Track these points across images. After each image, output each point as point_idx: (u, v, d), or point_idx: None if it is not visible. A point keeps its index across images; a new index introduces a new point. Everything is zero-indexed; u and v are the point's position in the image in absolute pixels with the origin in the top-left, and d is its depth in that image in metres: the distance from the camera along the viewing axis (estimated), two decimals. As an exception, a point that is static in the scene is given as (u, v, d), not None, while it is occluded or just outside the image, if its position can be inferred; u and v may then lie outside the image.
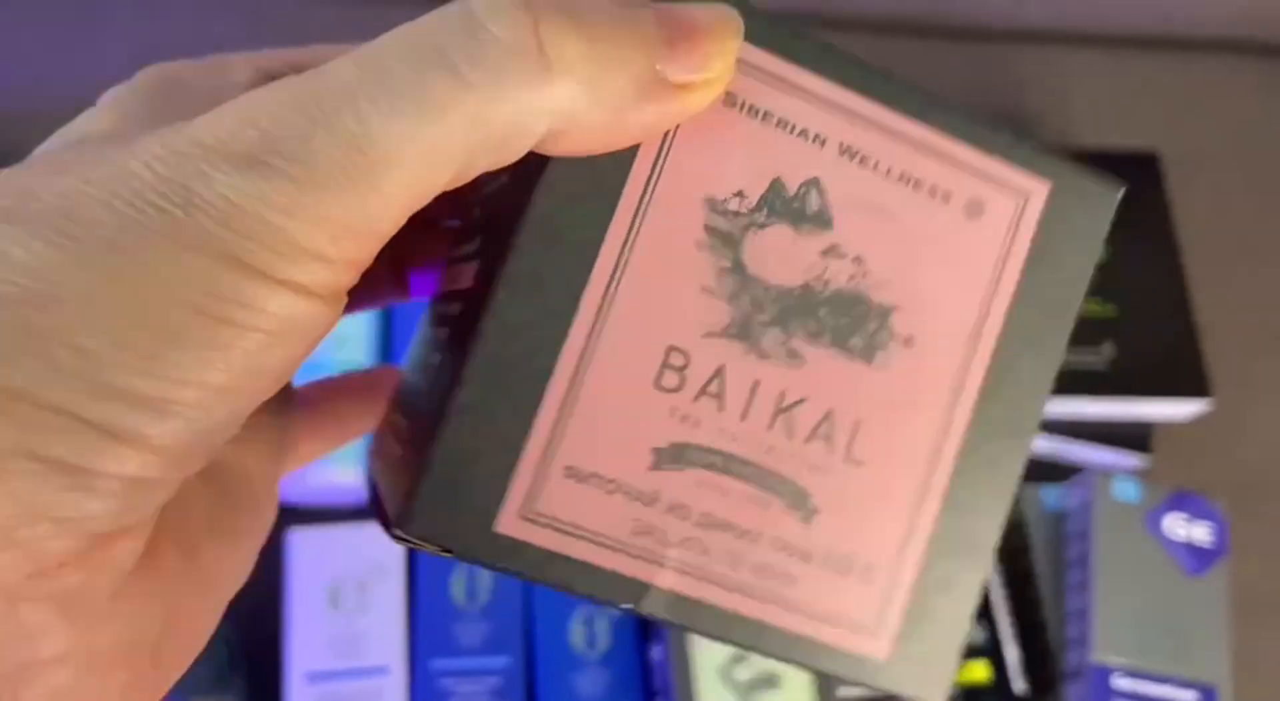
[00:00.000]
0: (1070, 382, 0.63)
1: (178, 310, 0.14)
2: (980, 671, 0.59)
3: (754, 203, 0.18)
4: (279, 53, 0.20)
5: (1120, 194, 0.19)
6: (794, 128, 0.18)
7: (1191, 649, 0.59)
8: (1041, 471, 0.68)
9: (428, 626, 0.56)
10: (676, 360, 0.18)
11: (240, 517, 0.19)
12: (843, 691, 0.57)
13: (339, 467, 0.58)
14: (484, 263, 0.18)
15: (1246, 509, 0.67)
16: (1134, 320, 0.65)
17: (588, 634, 0.57)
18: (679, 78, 0.16)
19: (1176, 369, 0.65)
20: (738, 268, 0.18)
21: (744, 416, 0.18)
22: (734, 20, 0.16)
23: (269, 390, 0.16)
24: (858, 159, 0.18)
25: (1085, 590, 0.60)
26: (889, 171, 0.18)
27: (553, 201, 0.17)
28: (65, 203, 0.14)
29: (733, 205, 0.18)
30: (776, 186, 0.18)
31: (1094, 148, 0.73)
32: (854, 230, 0.18)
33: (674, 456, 0.18)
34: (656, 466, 0.18)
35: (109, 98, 0.19)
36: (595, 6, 0.16)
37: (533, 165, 0.17)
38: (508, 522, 0.17)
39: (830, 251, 0.18)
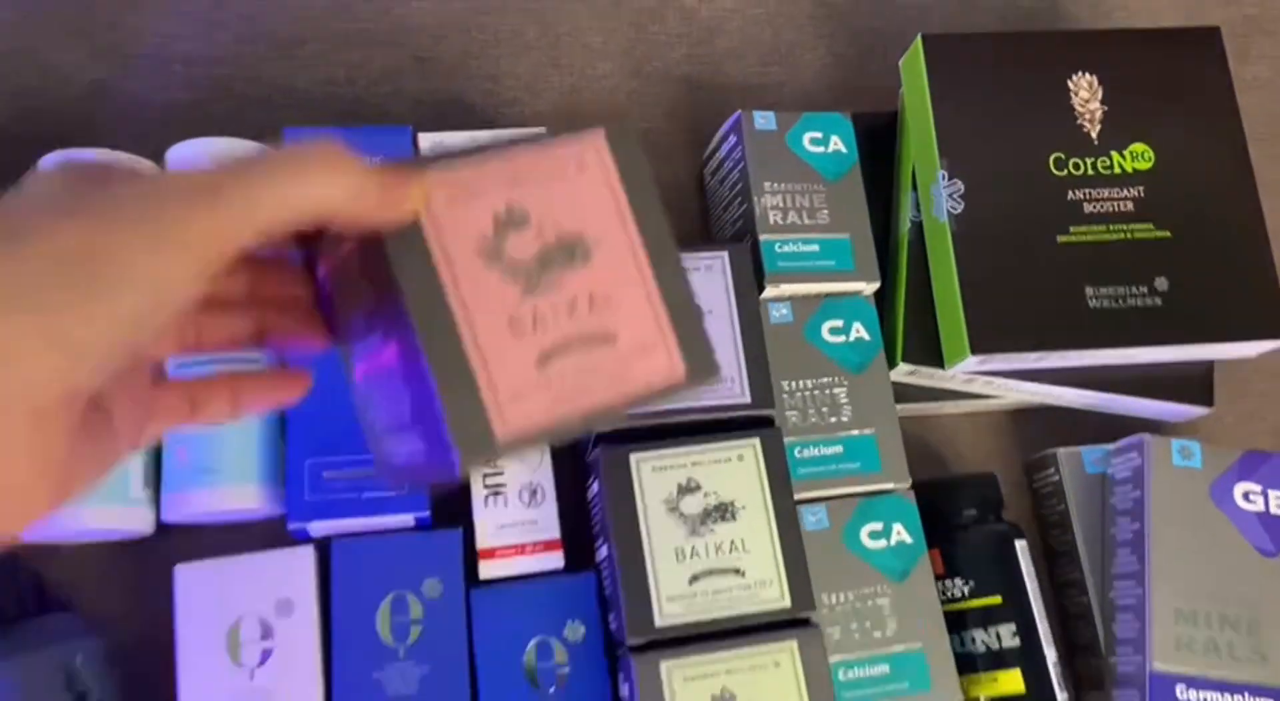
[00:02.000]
0: (1117, 328, 0.52)
1: None
2: (1011, 682, 0.50)
3: (492, 230, 0.31)
4: None
5: (627, 127, 0.33)
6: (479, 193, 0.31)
7: (1270, 648, 0.49)
8: (1083, 429, 0.58)
9: (350, 674, 0.47)
10: (515, 316, 0.30)
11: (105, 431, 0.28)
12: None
13: (226, 489, 0.48)
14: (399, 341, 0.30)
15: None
16: (1193, 242, 0.53)
17: (543, 670, 0.48)
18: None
19: (1244, 302, 0.53)
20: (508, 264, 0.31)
21: (555, 318, 0.30)
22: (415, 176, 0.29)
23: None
24: (521, 185, 0.31)
25: (1140, 580, 0.50)
26: (536, 180, 0.32)
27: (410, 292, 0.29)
28: None
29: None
30: (497, 217, 0.30)
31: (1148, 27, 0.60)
32: (543, 220, 0.31)
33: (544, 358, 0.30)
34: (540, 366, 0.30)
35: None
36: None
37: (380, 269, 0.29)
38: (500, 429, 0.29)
39: (537, 232, 0.31)
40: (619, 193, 0.32)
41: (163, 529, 0.50)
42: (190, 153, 0.52)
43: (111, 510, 0.47)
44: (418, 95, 0.61)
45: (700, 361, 0.32)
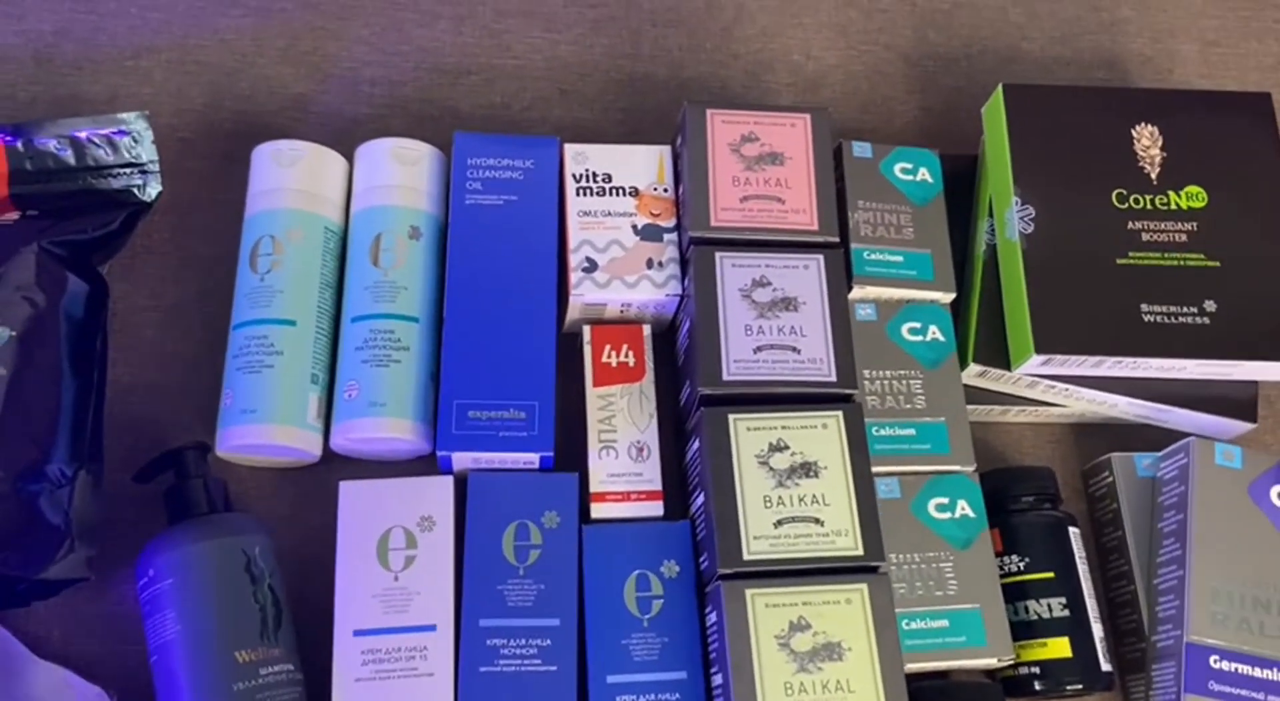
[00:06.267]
0: (1168, 341, 0.58)
1: None
2: (1059, 648, 0.55)
3: None
4: None
5: None
6: None
7: (1300, 630, 0.54)
8: (1137, 443, 0.63)
9: (478, 585, 0.54)
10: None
11: None
12: (910, 666, 0.54)
13: (390, 420, 0.57)
14: None
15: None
16: (1239, 273, 0.60)
17: (641, 599, 0.55)
18: None
19: (1288, 327, 0.59)
20: None
21: None
22: None
23: None
24: None
25: (1182, 565, 0.55)
26: None
27: None
28: None
29: None
30: None
31: (1201, 89, 0.68)
32: None
33: None
34: None
35: None
36: None
37: None
38: None
39: None
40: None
41: (328, 458, 0.59)
42: (376, 149, 0.62)
43: (290, 430, 0.56)
44: (561, 121, 0.71)
45: None
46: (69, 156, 0.61)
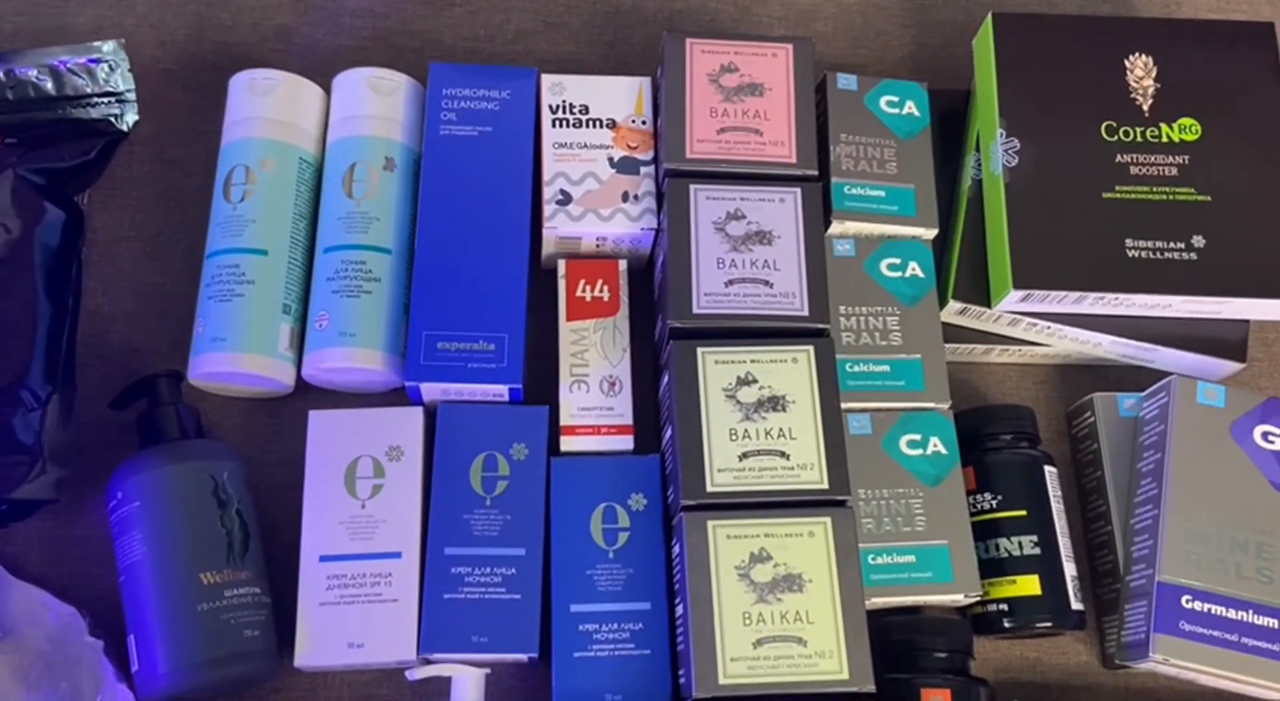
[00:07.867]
0: (1153, 277, 0.57)
1: None
2: (1028, 586, 0.55)
3: None
4: None
5: None
6: None
7: (1277, 571, 0.53)
8: (1127, 382, 0.62)
9: (444, 514, 0.55)
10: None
11: None
12: (873, 600, 0.53)
13: (359, 350, 0.56)
14: None
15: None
16: (1230, 208, 0.58)
17: (607, 531, 0.55)
18: None
19: (1275, 263, 0.57)
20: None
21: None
22: None
23: None
24: None
25: (1157, 504, 0.54)
26: None
27: None
28: None
29: None
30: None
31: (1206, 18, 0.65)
32: None
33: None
34: None
35: None
36: None
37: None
38: None
39: None
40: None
41: (302, 389, 0.59)
42: (352, 79, 0.62)
43: (260, 358, 0.57)
44: (544, 54, 0.70)
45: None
46: (49, 86, 0.61)
